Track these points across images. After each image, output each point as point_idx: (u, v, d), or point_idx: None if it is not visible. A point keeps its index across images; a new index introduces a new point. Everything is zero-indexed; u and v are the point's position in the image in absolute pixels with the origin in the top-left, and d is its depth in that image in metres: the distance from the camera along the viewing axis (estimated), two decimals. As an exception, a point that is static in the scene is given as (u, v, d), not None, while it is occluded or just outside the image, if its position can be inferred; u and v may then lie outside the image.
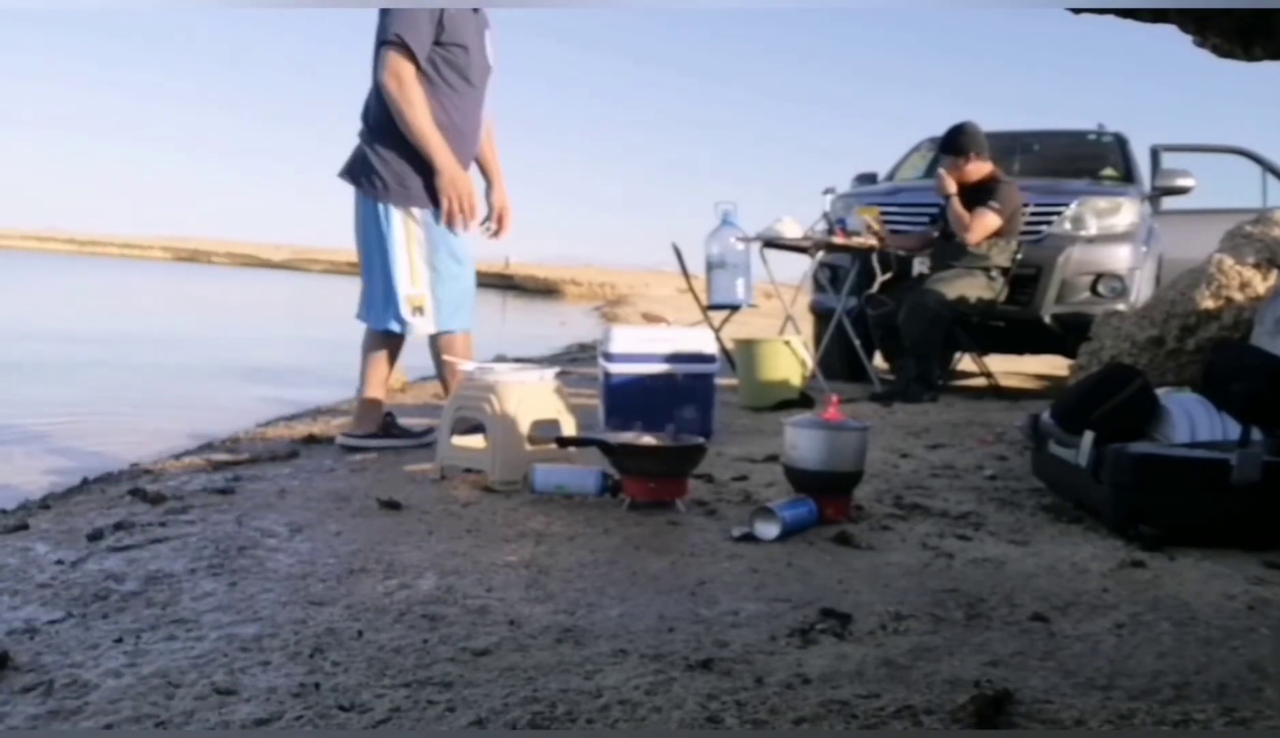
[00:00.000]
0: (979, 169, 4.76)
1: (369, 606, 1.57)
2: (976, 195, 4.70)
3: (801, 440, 2.25)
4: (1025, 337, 5.18)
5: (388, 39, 2.82)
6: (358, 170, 3.02)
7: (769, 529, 2.04)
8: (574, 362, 6.56)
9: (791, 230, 4.97)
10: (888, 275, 4.87)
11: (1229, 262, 3.73)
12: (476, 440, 2.66)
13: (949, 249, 4.77)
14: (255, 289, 22.53)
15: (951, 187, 4.73)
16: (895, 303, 4.70)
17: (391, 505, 2.26)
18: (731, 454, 3.04)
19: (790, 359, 4.37)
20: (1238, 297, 3.65)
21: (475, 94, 3.04)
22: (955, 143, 4.79)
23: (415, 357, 5.24)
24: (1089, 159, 5.91)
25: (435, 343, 3.15)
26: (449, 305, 3.08)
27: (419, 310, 3.05)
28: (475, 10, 3.00)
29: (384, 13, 2.87)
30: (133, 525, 2.04)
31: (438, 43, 2.89)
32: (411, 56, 2.84)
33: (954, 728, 1.18)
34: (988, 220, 4.64)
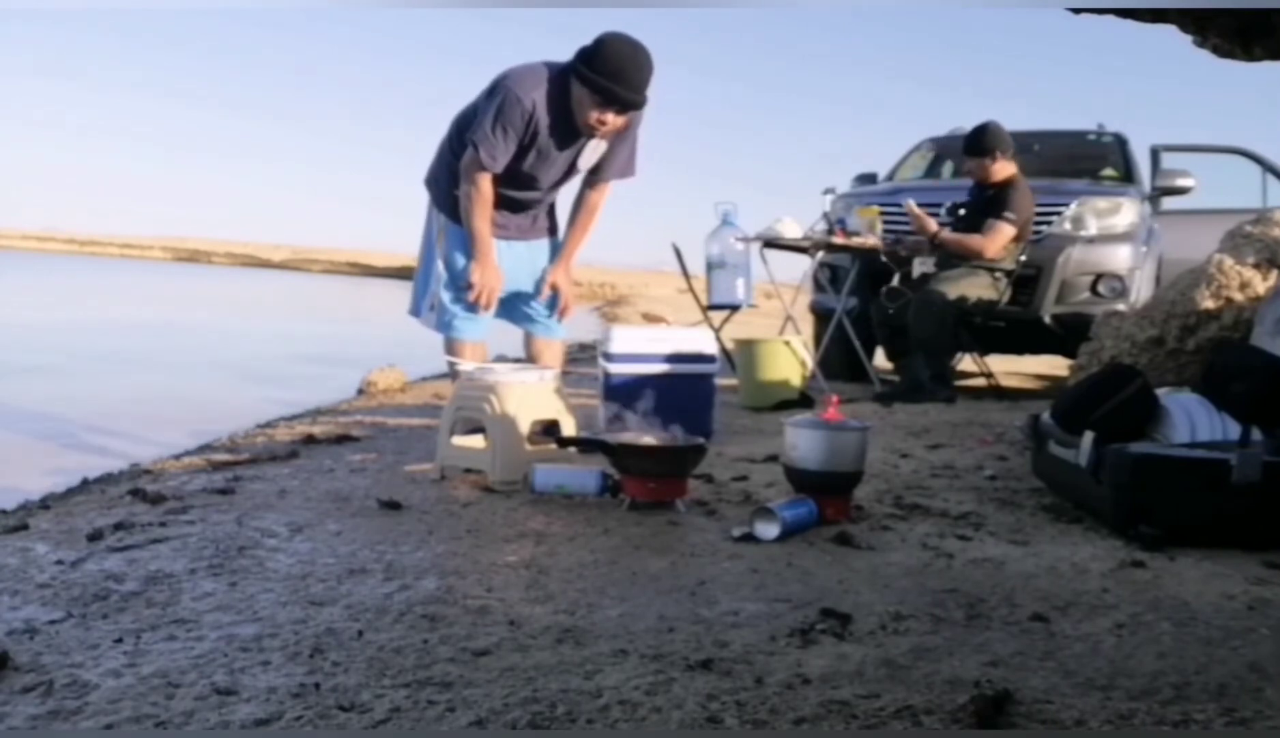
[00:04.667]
0: (1003, 169, 4.69)
1: (369, 606, 1.57)
2: (993, 200, 4.68)
3: (801, 440, 2.25)
4: (1025, 337, 5.17)
5: (478, 148, 2.90)
6: (429, 175, 3.21)
7: (769, 529, 2.04)
8: (574, 362, 6.56)
9: (791, 230, 4.96)
10: (904, 270, 4.85)
11: (1229, 262, 3.73)
12: (476, 440, 2.66)
13: None
14: (255, 289, 22.54)
15: (931, 226, 4.69)
16: (900, 302, 4.69)
17: (391, 505, 2.26)
18: (731, 454, 3.04)
19: (790, 359, 4.36)
20: (1238, 297, 3.65)
21: (541, 193, 3.14)
22: (980, 143, 4.70)
23: (415, 357, 5.25)
24: (1089, 159, 5.91)
25: (448, 343, 3.20)
26: (458, 313, 3.13)
27: (433, 308, 3.20)
28: (571, 138, 2.98)
29: (497, 108, 2.87)
30: (133, 525, 2.04)
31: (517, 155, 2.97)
32: (488, 171, 2.95)
33: (954, 728, 1.18)
34: (1003, 232, 4.60)
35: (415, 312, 3.29)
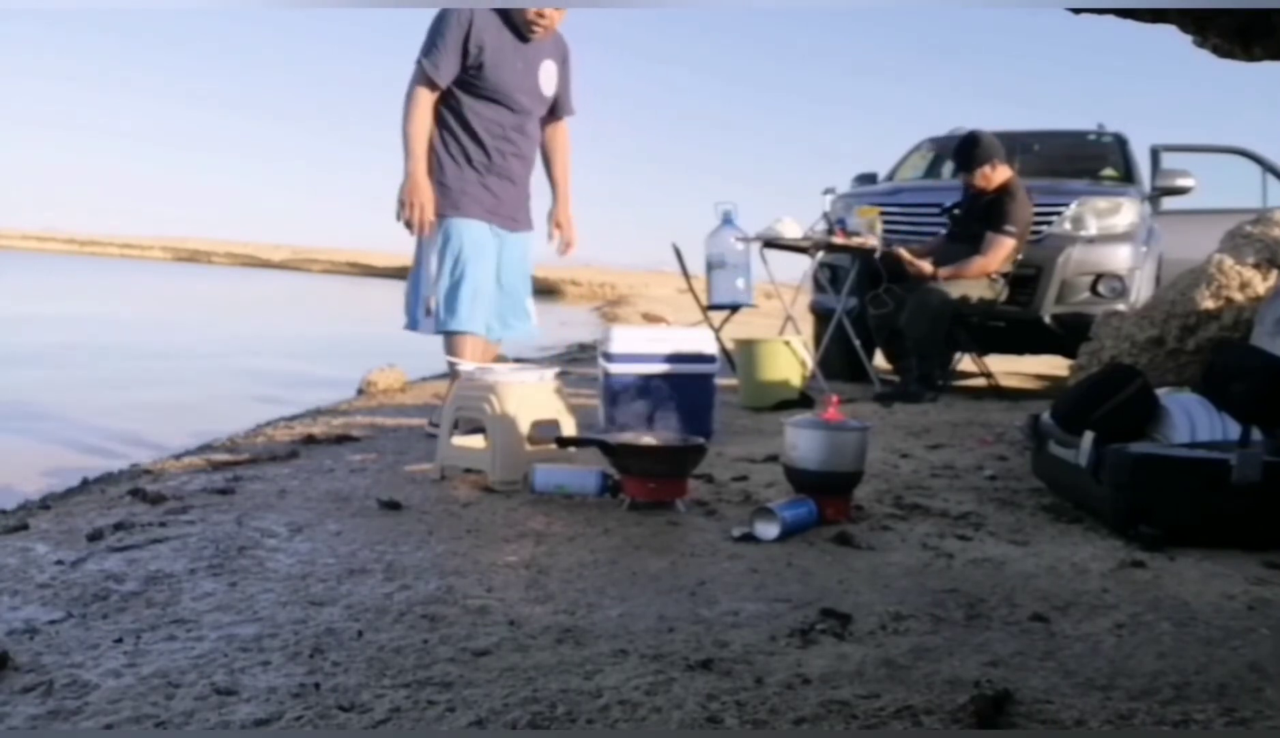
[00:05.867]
0: (999, 175, 4.69)
1: (369, 606, 1.57)
2: (991, 207, 4.68)
3: (801, 440, 2.25)
4: (1025, 337, 5.18)
5: (421, 60, 3.11)
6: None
7: (769, 529, 2.04)
8: (574, 362, 6.56)
9: (791, 230, 4.96)
10: (895, 272, 4.86)
11: (1229, 262, 3.73)
12: (476, 440, 2.66)
13: (955, 251, 4.76)
14: (255, 289, 22.53)
15: (927, 268, 4.66)
16: (897, 303, 4.69)
17: (391, 506, 2.26)
18: (731, 454, 3.04)
19: (790, 359, 4.36)
20: (1238, 297, 3.65)
21: (515, 115, 3.24)
22: (972, 157, 4.70)
23: (415, 357, 5.25)
24: (1089, 159, 5.91)
25: (449, 342, 3.20)
26: (457, 307, 3.15)
27: (429, 310, 3.22)
28: (526, 40, 3.17)
29: (434, 24, 3.10)
30: (133, 525, 2.04)
31: (467, 65, 3.11)
32: (432, 84, 3.12)
33: (954, 728, 1.18)
34: (1003, 247, 4.61)
35: (412, 324, 3.28)
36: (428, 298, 3.19)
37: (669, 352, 3.30)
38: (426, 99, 3.13)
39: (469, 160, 3.18)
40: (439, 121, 3.17)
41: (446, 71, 3.08)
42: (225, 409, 4.53)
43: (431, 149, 3.18)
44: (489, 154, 3.19)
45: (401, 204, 3.13)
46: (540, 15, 3.08)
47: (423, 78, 3.09)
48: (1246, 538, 2.04)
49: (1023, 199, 4.69)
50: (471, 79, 3.13)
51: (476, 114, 3.16)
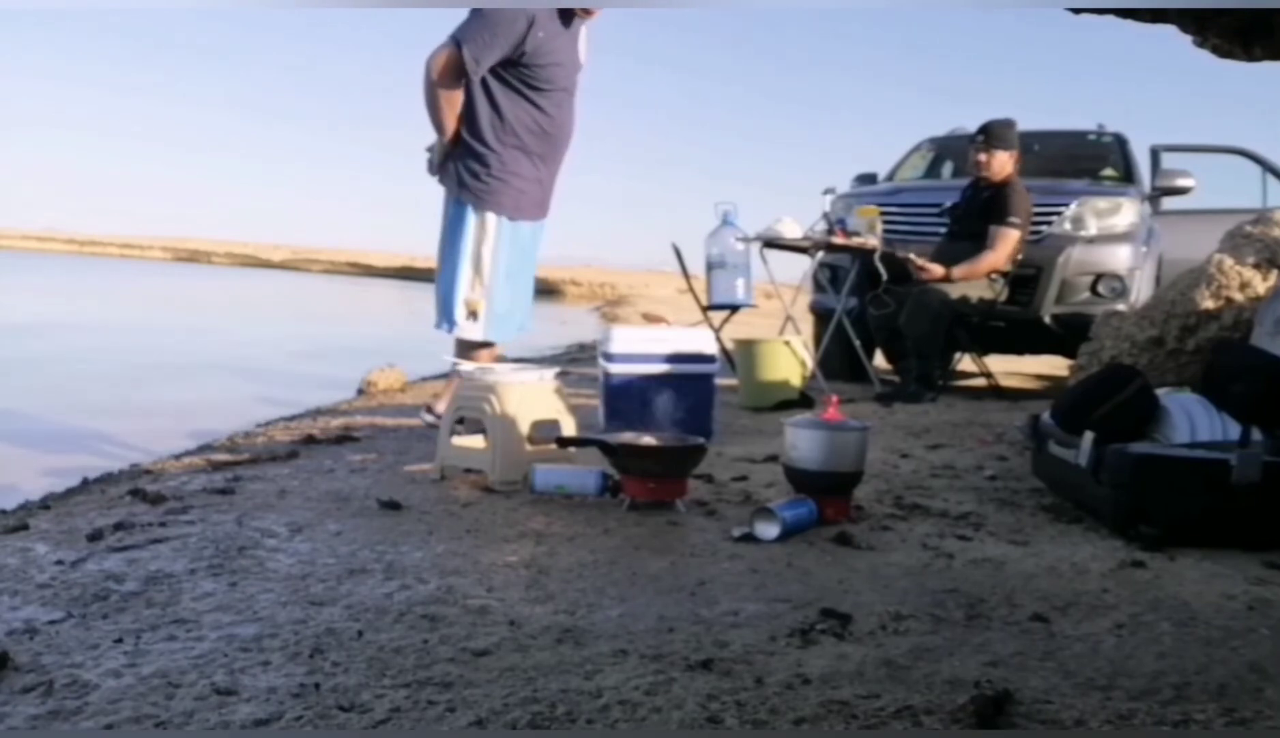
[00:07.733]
0: (1006, 169, 4.72)
1: (369, 606, 1.57)
2: (992, 202, 4.68)
3: (801, 440, 2.25)
4: (1025, 337, 5.18)
5: (464, 48, 2.97)
6: (447, 169, 3.19)
7: (769, 530, 2.04)
8: (574, 362, 6.56)
9: (791, 230, 4.96)
10: (895, 273, 4.85)
11: (1229, 262, 3.72)
12: (476, 440, 2.66)
13: (956, 249, 4.76)
14: (255, 289, 22.51)
15: (938, 271, 4.66)
16: (897, 303, 4.69)
17: (391, 506, 2.26)
18: (731, 454, 3.04)
19: (790, 359, 4.36)
20: (1238, 297, 3.64)
21: (564, 96, 3.21)
22: (1007, 137, 4.72)
23: (415, 357, 5.25)
24: (1089, 159, 5.91)
25: (459, 345, 3.18)
26: (500, 317, 3.14)
27: (474, 315, 3.14)
28: (568, 21, 3.11)
29: (489, 15, 3.00)
30: (133, 525, 2.04)
31: (522, 64, 3.04)
32: (461, 67, 2.99)
33: (954, 728, 1.18)
34: (1010, 239, 4.62)
35: (449, 325, 3.17)
36: (474, 301, 3.10)
37: (669, 352, 3.30)
38: (457, 91, 3.05)
39: (526, 153, 3.12)
40: (496, 108, 3.08)
41: (485, 66, 3.00)
42: (225, 409, 4.53)
43: (487, 143, 3.09)
44: (543, 144, 3.15)
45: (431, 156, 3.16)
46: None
47: (457, 66, 2.98)
48: (1246, 538, 2.04)
49: (1023, 192, 4.70)
50: (531, 76, 3.06)
51: (534, 105, 3.10)
